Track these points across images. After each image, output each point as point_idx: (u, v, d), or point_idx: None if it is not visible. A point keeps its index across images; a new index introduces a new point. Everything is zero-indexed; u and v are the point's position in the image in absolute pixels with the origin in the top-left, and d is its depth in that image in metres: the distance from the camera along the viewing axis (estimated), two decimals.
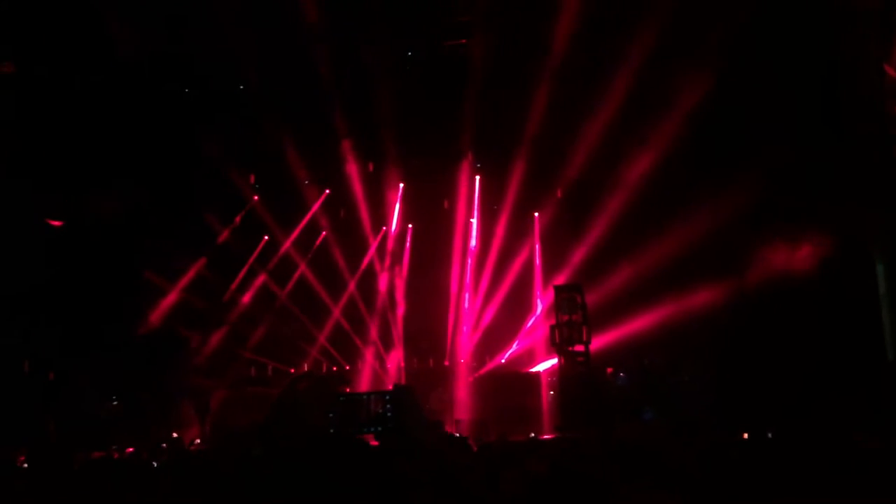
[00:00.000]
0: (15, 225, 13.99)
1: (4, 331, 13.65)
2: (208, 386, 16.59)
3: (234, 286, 18.32)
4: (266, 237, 18.71)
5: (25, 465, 9.12)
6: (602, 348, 14.89)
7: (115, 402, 15.12)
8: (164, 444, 14.03)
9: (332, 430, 12.39)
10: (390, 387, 17.90)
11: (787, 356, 12.23)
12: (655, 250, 14.87)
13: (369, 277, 18.67)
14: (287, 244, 18.60)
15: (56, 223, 15.36)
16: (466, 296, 18.43)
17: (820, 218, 12.55)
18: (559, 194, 17.66)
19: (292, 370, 18.18)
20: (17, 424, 12.42)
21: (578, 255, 16.64)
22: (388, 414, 13.04)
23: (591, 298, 14.87)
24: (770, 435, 9.25)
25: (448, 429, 14.81)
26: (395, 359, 18.29)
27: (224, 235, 18.12)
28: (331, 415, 12.74)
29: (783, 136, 12.66)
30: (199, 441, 15.12)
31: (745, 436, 9.18)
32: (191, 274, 17.57)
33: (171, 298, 17.18)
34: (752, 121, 13.12)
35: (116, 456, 11.90)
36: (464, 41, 15.74)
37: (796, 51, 12.58)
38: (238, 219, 18.36)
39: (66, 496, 7.14)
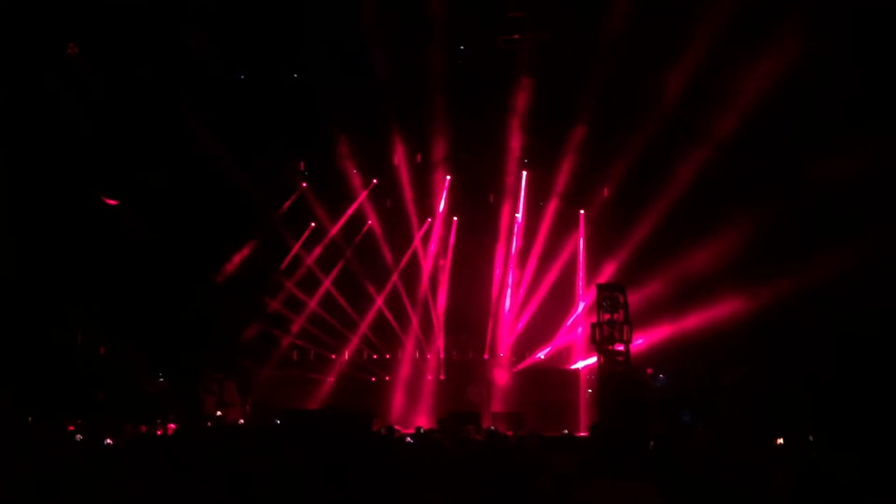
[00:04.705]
0: (72, 204, 14.45)
1: (60, 307, 14.11)
2: (252, 368, 16.96)
3: (280, 270, 18.57)
4: (313, 224, 18.93)
5: (78, 436, 9.49)
6: (641, 349, 14.85)
7: (161, 380, 15.52)
8: (209, 423, 14.44)
9: None
10: (430, 376, 18.06)
11: (825, 364, 12.08)
12: (699, 255, 14.74)
13: (413, 268, 18.80)
14: (334, 231, 18.79)
15: (112, 202, 15.78)
16: (508, 290, 18.48)
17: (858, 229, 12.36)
18: (606, 193, 17.57)
19: (333, 356, 18.42)
20: (69, 396, 12.87)
21: (622, 255, 16.56)
22: None
23: (633, 299, 14.83)
24: (812, 438, 9.20)
25: (484, 422, 14.95)
26: (435, 350, 18.43)
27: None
28: None
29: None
30: (241, 421, 15.51)
31: (780, 441, 9.12)
32: (238, 259, 17.86)
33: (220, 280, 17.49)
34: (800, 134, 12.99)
35: (160, 432, 12.29)
36: (517, 36, 15.75)
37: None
38: (286, 205, 18.62)
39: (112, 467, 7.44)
